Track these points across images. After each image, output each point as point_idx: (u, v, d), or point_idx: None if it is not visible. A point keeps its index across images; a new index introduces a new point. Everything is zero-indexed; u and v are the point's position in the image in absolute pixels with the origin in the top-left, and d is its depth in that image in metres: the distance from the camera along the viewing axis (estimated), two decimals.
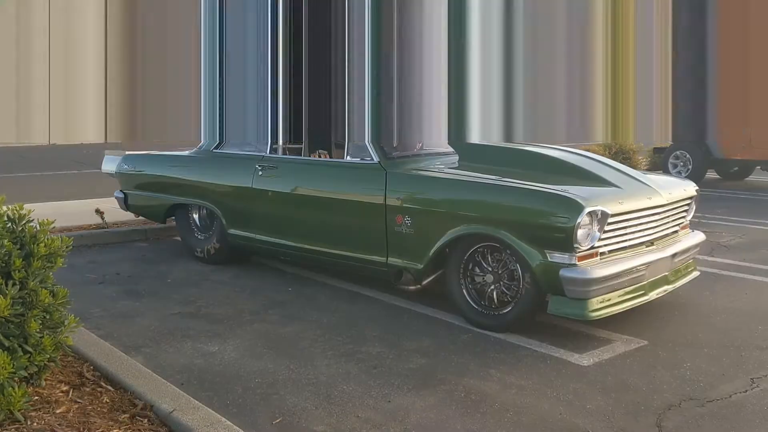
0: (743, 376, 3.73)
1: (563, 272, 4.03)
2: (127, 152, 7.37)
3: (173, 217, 6.82)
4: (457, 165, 5.15)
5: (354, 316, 4.81)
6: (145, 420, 3.01)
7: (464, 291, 4.57)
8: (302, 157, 5.98)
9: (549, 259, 4.09)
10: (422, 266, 4.70)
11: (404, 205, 4.78)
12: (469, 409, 3.33)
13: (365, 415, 3.27)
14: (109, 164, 7.32)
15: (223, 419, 2.97)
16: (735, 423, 3.20)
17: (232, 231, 6.00)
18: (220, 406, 3.30)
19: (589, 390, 3.57)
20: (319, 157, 6.00)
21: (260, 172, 5.75)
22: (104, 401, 3.18)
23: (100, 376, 3.48)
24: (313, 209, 5.46)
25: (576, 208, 4.02)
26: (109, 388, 3.33)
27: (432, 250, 4.61)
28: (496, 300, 4.46)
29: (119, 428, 2.91)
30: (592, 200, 4.13)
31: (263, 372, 3.77)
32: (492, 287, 4.47)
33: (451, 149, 5.37)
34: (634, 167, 12.38)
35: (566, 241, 4.02)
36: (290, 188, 5.61)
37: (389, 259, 4.90)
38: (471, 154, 5.28)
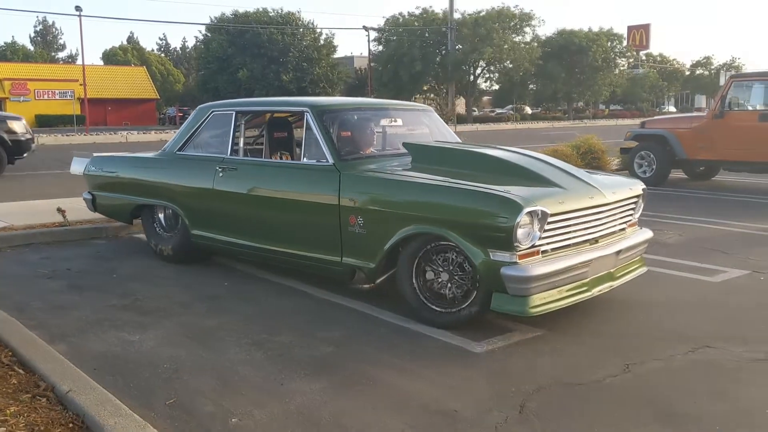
0: (620, 362, 3.98)
1: (504, 270, 4.16)
2: (94, 154, 7.57)
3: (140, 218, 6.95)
4: (410, 166, 5.28)
5: (281, 308, 5.08)
6: (44, 399, 3.28)
7: (417, 290, 4.67)
8: (260, 159, 6.17)
9: (491, 257, 4.22)
10: (375, 265, 4.83)
11: (357, 205, 4.91)
12: (351, 392, 3.60)
13: (254, 396, 3.53)
14: (77, 165, 7.55)
15: (114, 399, 3.24)
16: (598, 404, 3.46)
17: (195, 232, 6.16)
18: (123, 388, 3.57)
19: (476, 376, 3.83)
20: (281, 158, 6.19)
21: (221, 174, 5.88)
22: (12, 383, 3.45)
23: (15, 360, 3.75)
24: (271, 210, 5.59)
25: (515, 208, 4.14)
26: (20, 371, 3.60)
27: (383, 250, 4.74)
28: (449, 298, 4.57)
29: (17, 406, 3.17)
30: (532, 200, 4.24)
31: (173, 358, 4.04)
32: (444, 286, 4.58)
33: (404, 150, 5.50)
34: (603, 167, 12.67)
35: (507, 240, 4.15)
36: (249, 189, 5.75)
37: (344, 258, 5.04)
38: (423, 155, 5.40)
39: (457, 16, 48.95)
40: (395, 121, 6.31)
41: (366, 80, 52.76)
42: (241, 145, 6.08)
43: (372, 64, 50.87)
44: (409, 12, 50.94)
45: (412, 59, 47.72)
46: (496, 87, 60.28)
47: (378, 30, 50.97)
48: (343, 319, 4.84)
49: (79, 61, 69.45)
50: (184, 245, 6.38)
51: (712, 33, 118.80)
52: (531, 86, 57.44)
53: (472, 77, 52.06)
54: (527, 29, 50.44)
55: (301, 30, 51.39)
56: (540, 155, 5.64)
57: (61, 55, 79.34)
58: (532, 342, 4.34)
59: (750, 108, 11.29)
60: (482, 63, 50.30)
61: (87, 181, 7.41)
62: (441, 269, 4.59)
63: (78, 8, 36.21)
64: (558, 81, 53.39)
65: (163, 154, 6.70)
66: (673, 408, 3.41)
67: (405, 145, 5.55)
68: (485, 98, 70.94)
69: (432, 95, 50.10)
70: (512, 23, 49.10)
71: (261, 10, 51.94)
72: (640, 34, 60.56)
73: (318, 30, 52.67)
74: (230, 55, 50.85)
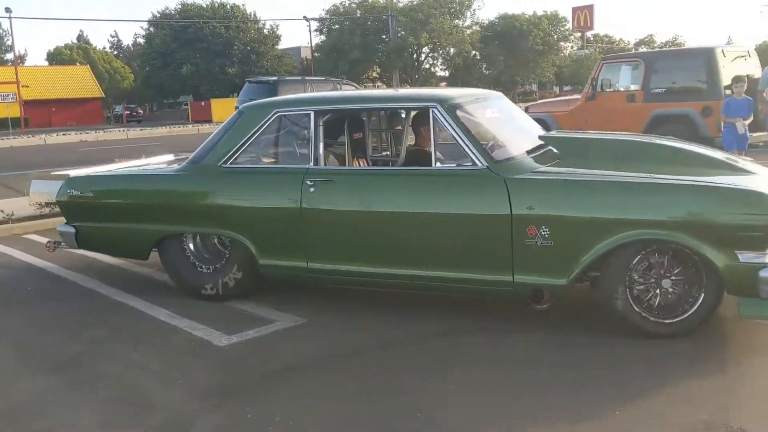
0: (366, 347, 4.23)
1: (762, 273, 3.76)
2: (71, 174, 5.83)
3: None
4: (566, 161, 4.75)
5: (66, 310, 5.16)
6: None
7: (631, 301, 4.13)
8: (375, 168, 5.49)
9: (740, 259, 3.82)
10: (567, 281, 4.17)
11: (538, 214, 4.17)
12: (75, 389, 3.78)
13: None
14: (43, 189, 6.01)
15: None
16: (304, 386, 3.66)
17: (265, 261, 4.96)
18: None
19: (206, 368, 3.99)
20: (359, 164, 5.43)
21: (312, 189, 4.76)
22: None
23: None
24: (402, 229, 4.61)
25: None
26: None
27: (582, 263, 4.11)
28: (670, 307, 4.13)
29: None
30: None
31: None
32: (663, 294, 4.12)
33: (542, 143, 4.99)
34: None
35: (763, 240, 3.80)
36: (367, 206, 4.71)
37: (516, 277, 4.29)
38: (571, 149, 4.99)
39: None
40: (495, 111, 5.49)
41: (310, 70, 52.80)
42: (322, 151, 4.95)
43: (316, 54, 50.86)
44: (350, 0, 51.04)
45: (353, 47, 47.91)
46: (445, 74, 60.56)
47: (319, 20, 51.01)
48: (116, 319, 4.94)
49: (27, 63, 68.66)
50: (245, 278, 5.16)
51: (654, 11, 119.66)
52: (485, 71, 57.85)
53: (416, 63, 52.35)
54: (467, 13, 50.93)
55: (246, 23, 51.16)
56: (685, 142, 5.44)
57: (10, 56, 77.85)
58: (285, 332, 4.51)
59: (622, 89, 11.66)
60: (425, 49, 50.68)
61: (65, 210, 5.74)
62: (660, 277, 4.12)
63: (8, 9, 35.75)
64: (499, 65, 53.83)
65: (198, 167, 5.24)
66: (367, 388, 3.65)
67: (544, 138, 5.09)
68: (442, 84, 71.28)
69: (378, 83, 50.32)
70: (452, 9, 49.47)
71: (205, 5, 51.62)
72: (584, 14, 61.11)
73: (261, 22, 52.51)
74: (173, 50, 50.48)
